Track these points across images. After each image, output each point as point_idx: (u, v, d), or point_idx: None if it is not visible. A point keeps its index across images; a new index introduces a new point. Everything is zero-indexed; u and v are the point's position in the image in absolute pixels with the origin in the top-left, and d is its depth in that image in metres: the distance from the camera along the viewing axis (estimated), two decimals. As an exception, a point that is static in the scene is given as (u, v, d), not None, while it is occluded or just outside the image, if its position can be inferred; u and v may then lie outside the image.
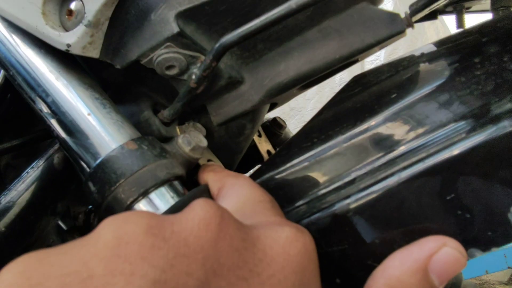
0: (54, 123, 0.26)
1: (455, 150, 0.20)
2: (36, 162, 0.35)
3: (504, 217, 0.19)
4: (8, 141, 0.39)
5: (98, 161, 0.24)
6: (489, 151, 0.20)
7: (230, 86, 0.31)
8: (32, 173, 0.34)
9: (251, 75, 0.31)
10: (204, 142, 0.28)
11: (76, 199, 0.38)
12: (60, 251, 0.14)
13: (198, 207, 0.16)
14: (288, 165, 0.26)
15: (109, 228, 0.15)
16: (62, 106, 0.26)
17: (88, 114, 0.25)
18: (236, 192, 0.22)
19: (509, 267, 1.21)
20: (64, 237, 0.35)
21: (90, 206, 0.30)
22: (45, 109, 0.26)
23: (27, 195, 0.33)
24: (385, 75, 0.28)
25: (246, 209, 0.21)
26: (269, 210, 0.21)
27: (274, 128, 0.46)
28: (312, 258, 0.17)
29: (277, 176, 0.26)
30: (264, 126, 0.46)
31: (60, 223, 0.36)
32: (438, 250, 0.19)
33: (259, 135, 0.43)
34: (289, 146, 0.27)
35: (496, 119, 0.20)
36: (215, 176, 0.25)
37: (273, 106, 0.39)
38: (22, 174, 0.34)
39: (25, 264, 0.14)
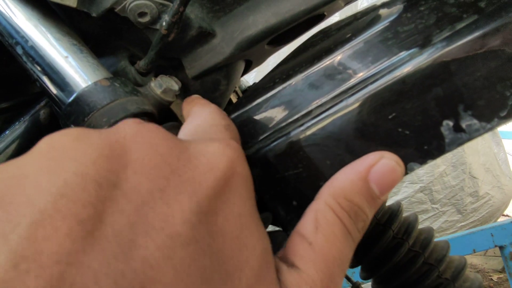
0: (33, 67, 0.28)
1: (396, 74, 0.22)
2: (23, 116, 0.36)
3: (438, 131, 0.21)
4: (-3, 103, 0.41)
5: (73, 97, 0.26)
6: (424, 73, 0.22)
7: (202, 38, 0.33)
8: (19, 126, 0.36)
9: (222, 29, 0.33)
10: (175, 86, 0.30)
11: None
12: (7, 162, 0.16)
13: (127, 122, 0.18)
14: (252, 104, 0.28)
15: (43, 141, 0.16)
16: (41, 50, 0.28)
17: (66, 57, 0.27)
18: (195, 117, 0.24)
19: (496, 246, 1.23)
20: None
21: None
22: (24, 54, 0.28)
23: (14, 146, 0.35)
24: (344, 22, 0.30)
25: (198, 131, 0.23)
26: (220, 132, 0.23)
27: (254, 93, 0.48)
28: (238, 171, 0.18)
29: (242, 115, 0.28)
30: (244, 91, 0.48)
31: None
32: (377, 162, 0.21)
33: (238, 97, 0.45)
34: (254, 88, 0.29)
35: (433, 45, 0.22)
36: (187, 106, 0.27)
37: (248, 66, 0.41)
38: (10, 126, 0.36)
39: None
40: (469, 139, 0.21)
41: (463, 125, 0.21)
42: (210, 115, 0.24)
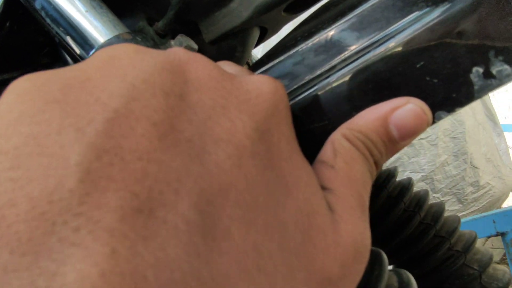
0: (51, 23, 0.28)
1: (424, 23, 0.22)
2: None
3: (467, 78, 0.21)
4: (6, 72, 0.40)
5: (94, 49, 0.25)
6: (453, 19, 0.21)
7: (220, 2, 0.32)
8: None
9: (240, -8, 0.33)
10: (194, 45, 0.30)
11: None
12: (61, 69, 0.16)
13: (179, 48, 0.18)
14: (275, 61, 0.28)
15: (103, 51, 0.16)
16: (59, 5, 0.27)
17: (86, 11, 0.27)
18: (221, 64, 0.24)
19: (497, 232, 1.24)
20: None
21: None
22: (42, 10, 0.28)
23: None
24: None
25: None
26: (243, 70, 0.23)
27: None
28: (283, 99, 0.19)
29: (266, 72, 0.28)
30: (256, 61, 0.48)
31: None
32: (402, 106, 0.21)
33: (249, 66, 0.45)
34: (275, 48, 0.29)
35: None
36: None
37: (263, 35, 0.41)
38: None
39: (32, 74, 0.15)
40: (499, 85, 0.21)
41: (494, 71, 0.21)
42: (238, 66, 0.24)
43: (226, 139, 0.14)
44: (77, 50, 0.27)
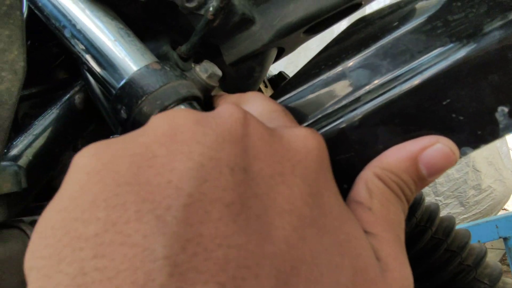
0: (81, 50, 0.28)
1: (451, 61, 0.23)
2: (59, 100, 0.37)
3: (493, 116, 0.22)
4: (26, 88, 0.41)
5: (125, 80, 0.26)
6: (480, 59, 0.22)
7: (242, 25, 0.33)
8: (55, 110, 0.36)
9: (261, 16, 0.33)
10: (219, 72, 0.30)
11: (94, 140, 0.40)
12: (122, 139, 0.16)
13: (229, 107, 0.18)
14: (298, 90, 0.28)
15: (163, 121, 0.16)
16: (89, 34, 0.28)
17: (114, 40, 0.28)
18: (251, 105, 0.24)
19: (500, 237, 1.25)
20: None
21: (111, 136, 0.32)
22: (72, 37, 0.28)
23: (51, 129, 0.35)
24: (387, 11, 0.30)
25: (263, 118, 0.23)
26: (283, 117, 0.23)
27: (279, 81, 0.48)
28: (326, 153, 0.20)
29: (288, 101, 0.28)
30: (270, 79, 0.48)
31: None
32: (431, 145, 0.21)
33: (266, 86, 0.45)
34: (298, 75, 0.30)
35: (487, 33, 0.23)
36: (230, 98, 0.27)
37: (280, 54, 0.41)
38: (46, 111, 0.36)
39: (96, 148, 0.15)
40: (524, 124, 0.21)
41: (519, 111, 0.21)
42: (264, 102, 0.25)
43: (288, 209, 0.15)
44: (103, 74, 0.28)
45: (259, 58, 0.37)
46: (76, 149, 0.38)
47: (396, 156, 0.21)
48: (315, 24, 0.35)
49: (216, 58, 0.37)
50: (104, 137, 0.43)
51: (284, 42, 0.37)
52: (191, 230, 0.13)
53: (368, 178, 0.21)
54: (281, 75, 0.49)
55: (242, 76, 0.37)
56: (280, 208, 0.15)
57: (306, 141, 0.18)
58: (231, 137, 0.16)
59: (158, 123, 0.16)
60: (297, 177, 0.16)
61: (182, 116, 0.16)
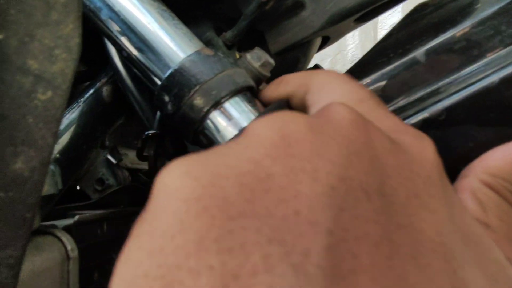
0: (119, 35, 0.25)
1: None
2: (86, 93, 0.34)
3: None
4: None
5: (174, 67, 0.23)
6: None
7: (293, 10, 0.30)
8: (81, 104, 0.33)
9: (312, 1, 0.30)
10: (272, 60, 0.27)
11: (122, 138, 0.37)
12: (218, 152, 0.12)
13: (338, 108, 0.14)
14: (365, 81, 0.25)
15: (268, 128, 0.13)
16: (129, 17, 0.25)
17: (158, 23, 0.24)
18: (330, 96, 0.19)
19: None
20: (113, 171, 0.34)
21: (146, 133, 0.29)
22: (109, 21, 0.25)
23: (78, 124, 0.32)
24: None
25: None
26: (376, 109, 0.18)
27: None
28: (440, 160, 0.16)
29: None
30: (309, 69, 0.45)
31: (109, 157, 0.35)
32: None
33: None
34: (361, 64, 0.26)
35: None
36: (292, 82, 0.22)
37: (323, 44, 0.38)
38: (72, 104, 0.33)
39: (187, 165, 0.12)
40: None
41: None
42: (345, 88, 0.20)
43: (439, 241, 0.12)
44: (146, 62, 0.25)
45: (305, 47, 0.34)
46: (104, 146, 0.35)
47: (502, 158, 0.18)
48: (368, 11, 0.32)
49: (259, 46, 0.33)
50: (134, 133, 0.40)
51: (332, 30, 0.34)
52: (343, 285, 0.10)
53: (476, 187, 0.18)
54: (317, 67, 0.46)
55: (287, 67, 0.34)
56: (432, 243, 0.12)
57: (424, 148, 0.15)
58: (355, 148, 0.13)
59: (261, 130, 0.13)
60: (432, 197, 0.13)
61: (291, 121, 0.13)
